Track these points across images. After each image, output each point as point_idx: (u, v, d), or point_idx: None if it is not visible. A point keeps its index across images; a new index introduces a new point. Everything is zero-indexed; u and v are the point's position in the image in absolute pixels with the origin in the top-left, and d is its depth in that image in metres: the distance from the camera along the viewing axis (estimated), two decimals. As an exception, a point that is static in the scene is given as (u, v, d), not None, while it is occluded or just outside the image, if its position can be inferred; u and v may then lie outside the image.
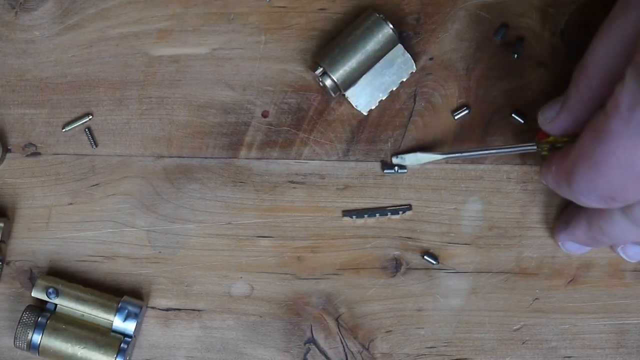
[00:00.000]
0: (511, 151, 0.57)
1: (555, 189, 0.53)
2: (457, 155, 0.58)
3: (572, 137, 0.53)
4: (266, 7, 0.61)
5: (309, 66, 0.60)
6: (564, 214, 0.59)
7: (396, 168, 0.60)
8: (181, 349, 0.60)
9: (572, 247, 0.59)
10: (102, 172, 0.60)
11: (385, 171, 0.60)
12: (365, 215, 0.60)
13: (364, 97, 0.60)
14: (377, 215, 0.60)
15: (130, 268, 0.60)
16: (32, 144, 0.61)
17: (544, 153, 0.55)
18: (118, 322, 0.57)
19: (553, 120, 0.54)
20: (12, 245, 0.60)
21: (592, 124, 0.47)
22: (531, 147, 0.56)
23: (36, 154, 0.61)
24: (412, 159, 0.59)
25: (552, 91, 0.59)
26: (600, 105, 0.49)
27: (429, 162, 0.59)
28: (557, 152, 0.53)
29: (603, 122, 0.46)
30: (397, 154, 0.60)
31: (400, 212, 0.60)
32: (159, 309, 0.60)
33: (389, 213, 0.60)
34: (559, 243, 0.59)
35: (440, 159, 0.58)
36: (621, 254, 0.58)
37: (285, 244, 0.60)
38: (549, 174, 0.53)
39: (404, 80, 0.60)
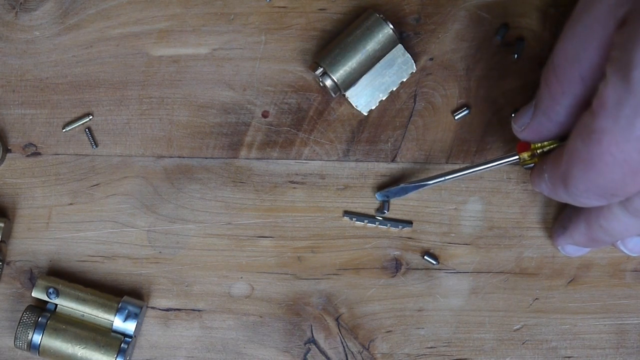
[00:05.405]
0: (494, 166, 0.56)
1: (551, 195, 0.53)
2: (438, 180, 0.58)
3: (552, 142, 0.53)
4: (266, 7, 0.61)
5: (309, 66, 0.60)
6: (560, 219, 0.59)
7: (387, 212, 0.60)
8: (181, 349, 0.60)
9: (572, 250, 0.58)
10: (102, 172, 0.60)
11: (377, 216, 0.60)
12: (365, 221, 0.60)
13: (364, 97, 0.60)
14: (377, 224, 0.60)
15: (131, 268, 0.60)
16: (32, 144, 0.61)
17: (528, 163, 0.55)
18: (118, 322, 0.57)
19: (527, 126, 0.54)
20: (12, 245, 0.60)
21: (581, 125, 0.47)
22: (514, 158, 0.56)
23: (36, 154, 0.61)
24: (397, 192, 0.59)
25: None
26: (575, 102, 0.49)
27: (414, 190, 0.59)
28: (546, 159, 0.53)
29: (592, 122, 0.46)
30: (380, 188, 0.59)
31: (400, 227, 0.60)
32: (159, 309, 0.60)
33: (388, 224, 0.60)
34: (558, 247, 0.59)
35: (424, 188, 0.58)
36: (621, 247, 0.58)
37: (286, 244, 0.60)
38: (542, 182, 0.53)
39: (404, 80, 0.60)
